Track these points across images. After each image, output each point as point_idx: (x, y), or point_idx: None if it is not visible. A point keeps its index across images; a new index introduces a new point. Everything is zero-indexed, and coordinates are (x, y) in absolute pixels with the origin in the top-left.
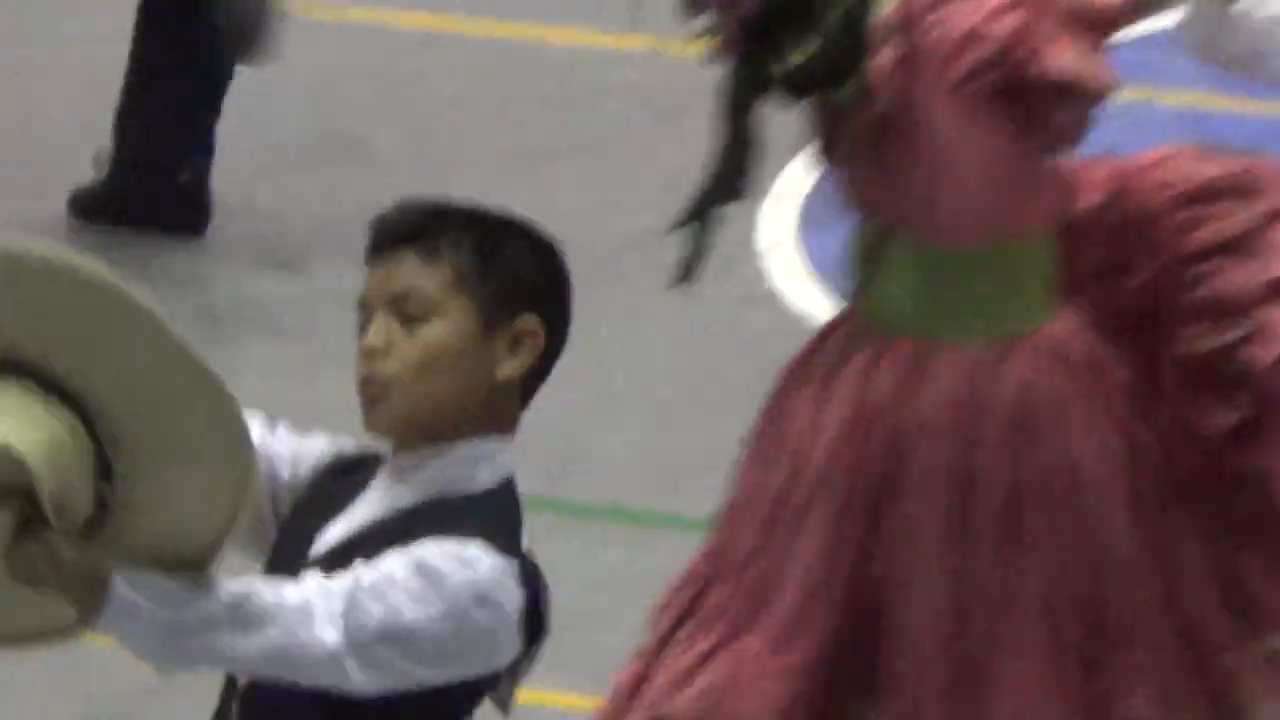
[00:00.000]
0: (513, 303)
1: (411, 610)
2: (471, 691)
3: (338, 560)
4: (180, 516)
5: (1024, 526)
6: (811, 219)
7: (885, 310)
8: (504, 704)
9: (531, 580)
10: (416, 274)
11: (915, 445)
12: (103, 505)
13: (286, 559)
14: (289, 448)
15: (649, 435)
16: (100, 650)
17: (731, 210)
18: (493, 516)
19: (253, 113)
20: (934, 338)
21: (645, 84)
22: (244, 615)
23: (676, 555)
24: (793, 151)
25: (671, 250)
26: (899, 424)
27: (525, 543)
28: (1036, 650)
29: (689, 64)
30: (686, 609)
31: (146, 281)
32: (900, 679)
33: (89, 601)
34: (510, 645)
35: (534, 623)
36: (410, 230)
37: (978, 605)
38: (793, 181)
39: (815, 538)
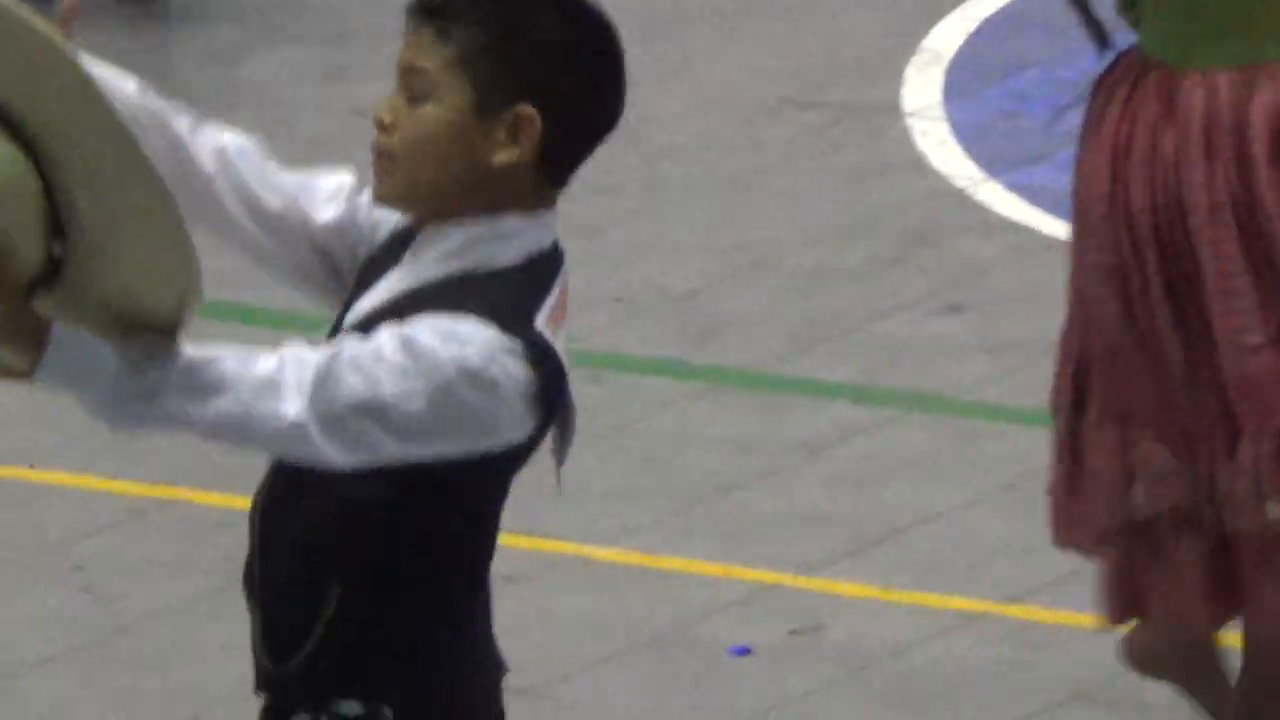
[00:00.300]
0: (511, 90)
1: (392, 385)
2: (495, 471)
3: (360, 332)
4: (131, 281)
5: None
6: (957, 85)
7: (1144, 47)
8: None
9: (542, 358)
10: (426, 51)
11: (1182, 172)
12: (56, 265)
13: (339, 322)
14: (371, 213)
15: (790, 300)
16: (230, 511)
17: (876, 75)
18: (504, 294)
19: None
20: (1185, 67)
21: None
22: (197, 381)
23: (817, 420)
24: (940, 14)
25: (814, 117)
26: (1158, 153)
27: (542, 321)
28: None
29: None
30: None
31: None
32: (1251, 428)
33: (26, 353)
34: (515, 423)
35: (550, 399)
36: (435, 6)
37: None
38: (939, 45)
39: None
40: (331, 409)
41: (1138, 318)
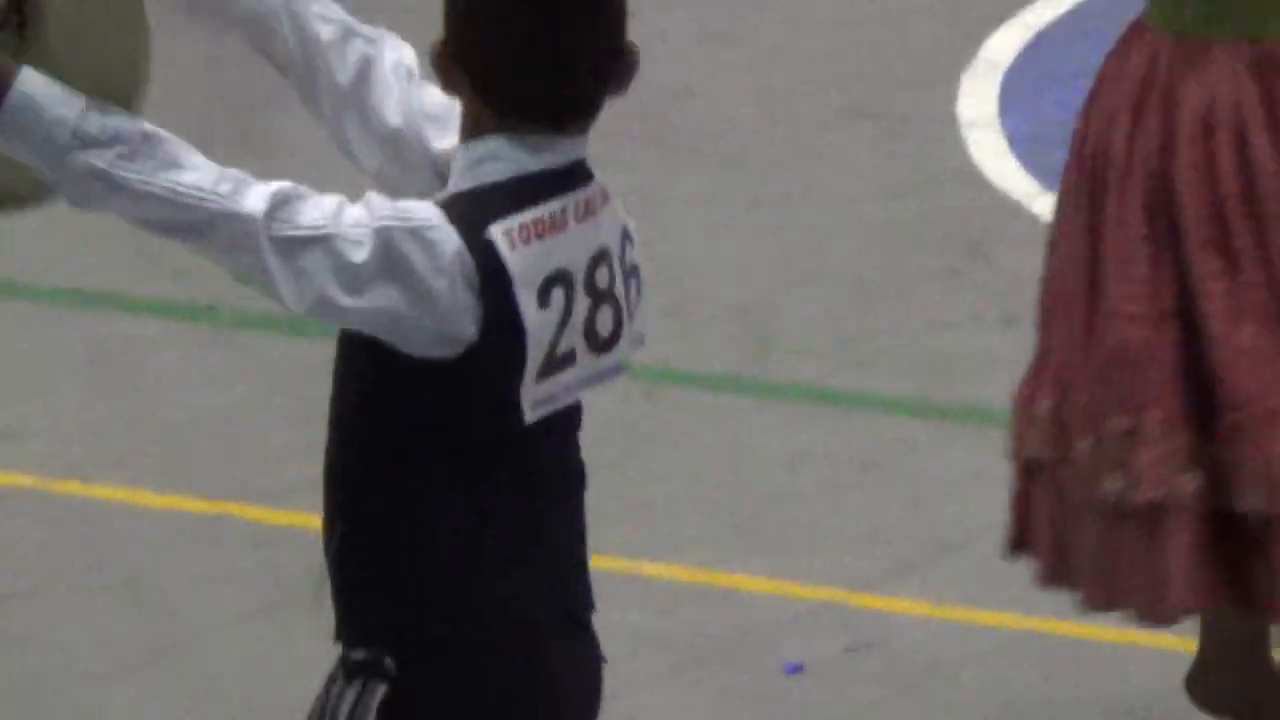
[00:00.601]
0: (447, 36)
1: (346, 227)
2: (471, 401)
3: None
4: (88, 44)
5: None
6: (1012, 95)
7: (1145, 13)
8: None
9: (483, 260)
10: None
11: (1112, 127)
12: (20, 23)
13: None
14: None
15: (845, 312)
16: (281, 529)
17: (933, 85)
18: (466, 204)
19: None
20: (1145, 22)
21: None
22: (162, 152)
23: (872, 435)
24: (996, 24)
25: (871, 128)
26: (1106, 103)
27: (501, 231)
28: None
29: None
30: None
31: None
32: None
33: None
34: (456, 306)
35: (493, 299)
36: None
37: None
38: (996, 56)
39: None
40: (287, 229)
41: (1065, 256)
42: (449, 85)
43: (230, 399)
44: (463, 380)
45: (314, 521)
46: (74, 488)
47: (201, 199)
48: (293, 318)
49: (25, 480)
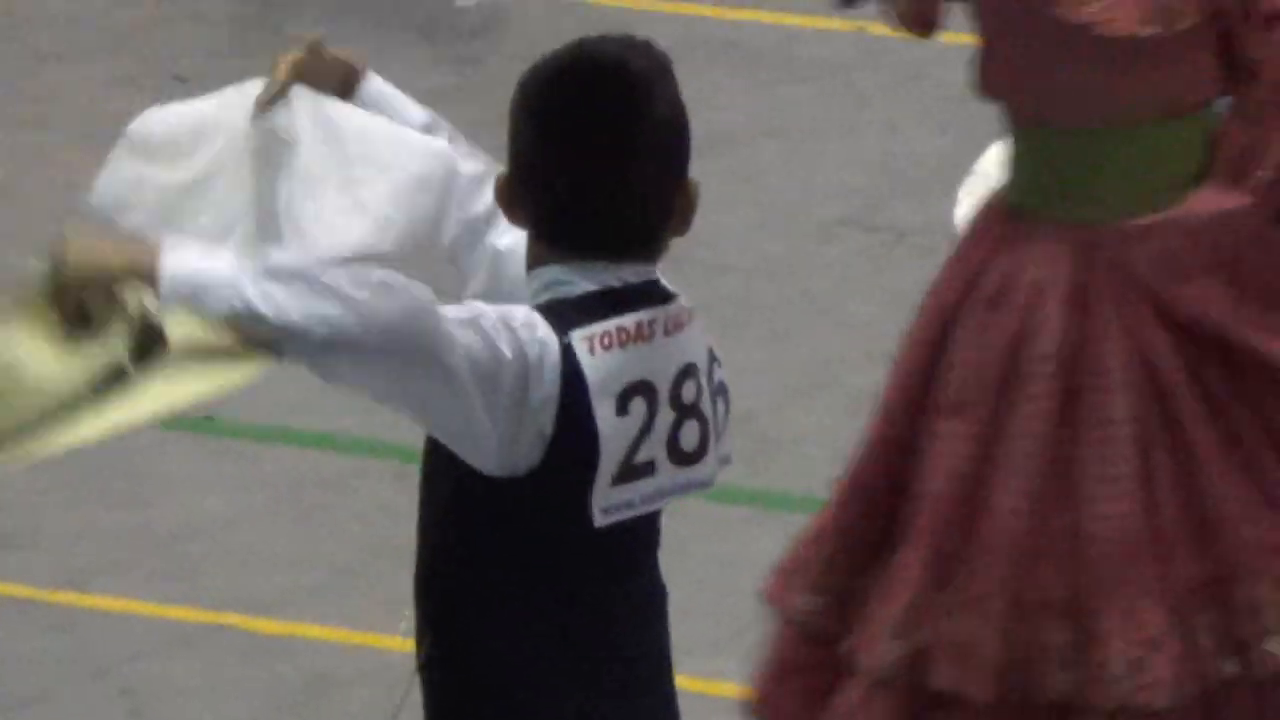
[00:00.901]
0: (510, 174)
1: (486, 320)
2: (545, 512)
3: None
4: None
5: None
6: None
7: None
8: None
9: (563, 359)
10: None
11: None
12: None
13: None
14: None
15: (847, 422)
16: (280, 638)
17: (932, 196)
18: (543, 311)
19: None
20: (1018, 213)
21: (849, 64)
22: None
23: None
24: (995, 134)
25: (870, 239)
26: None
27: (580, 336)
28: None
29: (892, 44)
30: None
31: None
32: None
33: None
34: (539, 400)
35: (567, 400)
36: None
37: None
38: (994, 168)
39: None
40: (451, 313)
41: None
42: (512, 219)
43: (228, 508)
44: (540, 489)
45: (311, 631)
46: (71, 597)
47: (387, 287)
48: (286, 426)
49: (22, 590)
